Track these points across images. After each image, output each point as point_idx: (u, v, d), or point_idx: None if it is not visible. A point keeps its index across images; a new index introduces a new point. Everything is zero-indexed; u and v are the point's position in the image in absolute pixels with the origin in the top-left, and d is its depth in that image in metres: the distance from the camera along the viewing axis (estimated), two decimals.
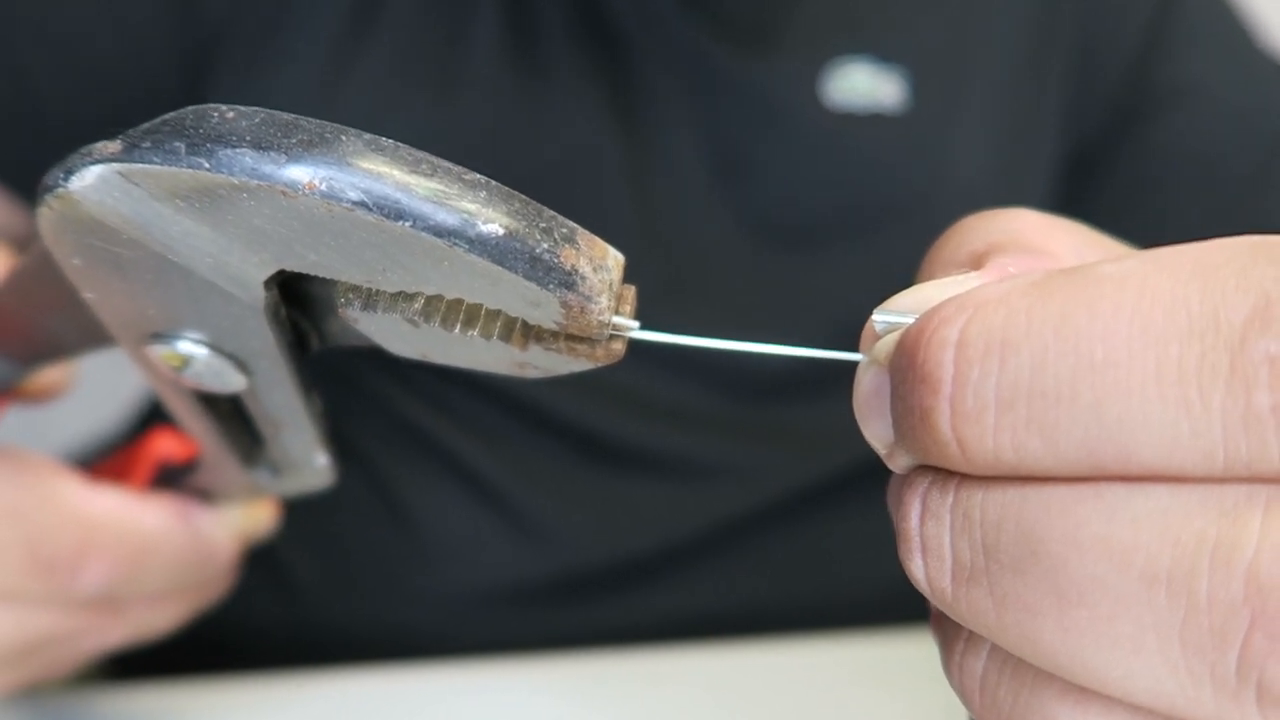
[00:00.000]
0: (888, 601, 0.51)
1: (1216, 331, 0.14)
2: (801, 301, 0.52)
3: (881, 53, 0.52)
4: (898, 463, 0.18)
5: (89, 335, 0.25)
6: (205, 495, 0.34)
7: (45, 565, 0.30)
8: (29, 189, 0.44)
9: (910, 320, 0.18)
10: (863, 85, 0.52)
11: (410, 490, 0.52)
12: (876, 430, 0.18)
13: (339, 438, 0.52)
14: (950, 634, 0.18)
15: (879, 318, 0.19)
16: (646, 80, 0.51)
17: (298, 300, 0.23)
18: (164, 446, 0.32)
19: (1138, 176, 0.55)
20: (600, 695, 0.43)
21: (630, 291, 0.21)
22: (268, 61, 0.48)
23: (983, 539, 0.16)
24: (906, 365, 0.17)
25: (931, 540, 0.17)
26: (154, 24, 0.48)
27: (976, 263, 0.20)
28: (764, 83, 0.51)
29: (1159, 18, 0.55)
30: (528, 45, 0.50)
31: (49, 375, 0.34)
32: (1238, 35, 0.57)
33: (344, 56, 0.49)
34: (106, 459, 0.34)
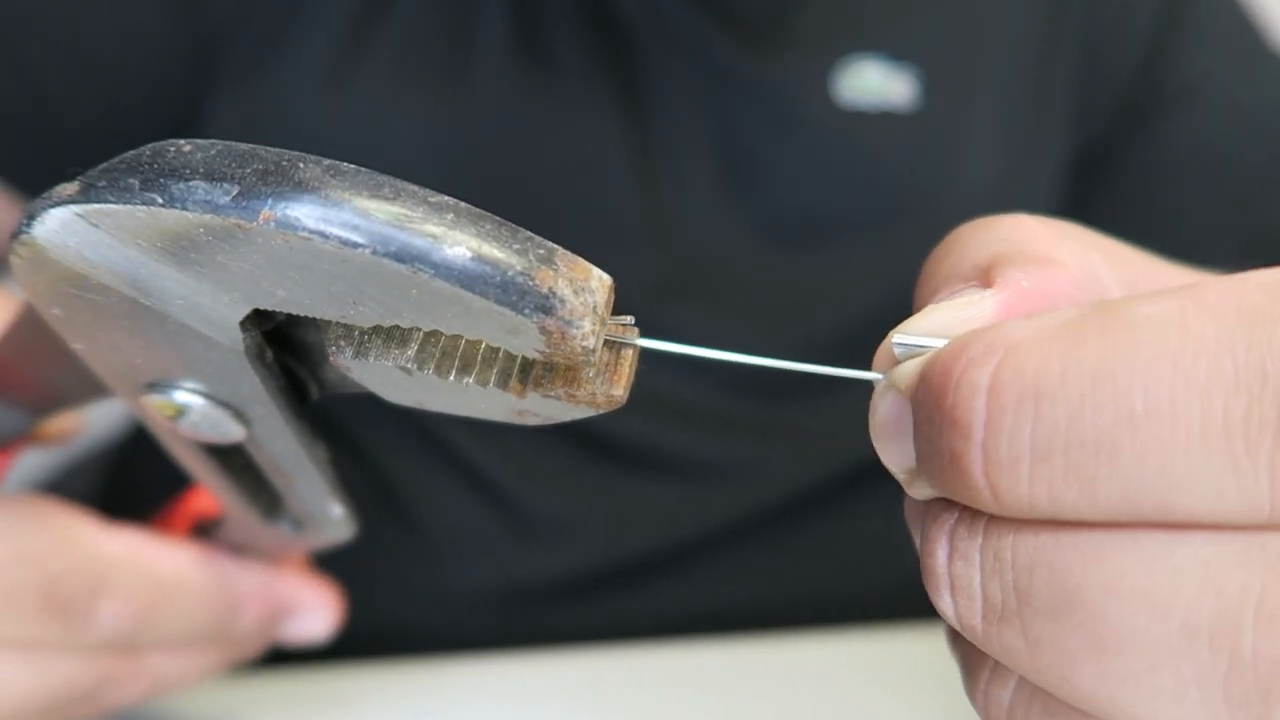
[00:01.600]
0: (895, 598, 0.51)
1: (1264, 382, 0.14)
2: (811, 300, 0.52)
3: (892, 51, 0.52)
4: (917, 491, 0.18)
5: (92, 386, 0.25)
6: (238, 551, 0.33)
7: (60, 606, 0.29)
8: (35, 189, 0.44)
9: (931, 345, 0.17)
10: (873, 84, 0.52)
11: (413, 487, 0.52)
12: (895, 456, 0.18)
13: (341, 432, 0.52)
14: (975, 660, 0.18)
15: (899, 339, 0.18)
16: (655, 79, 0.50)
17: (291, 348, 0.22)
18: (201, 503, 0.32)
19: (1146, 175, 0.55)
20: (604, 692, 0.43)
21: (628, 322, 0.20)
22: (273, 62, 0.48)
23: (1014, 582, 0.16)
24: (934, 405, 0.16)
25: (960, 580, 0.16)
26: (158, 23, 0.48)
27: (983, 276, 0.19)
28: (774, 81, 0.51)
29: (1168, 16, 0.55)
30: (535, 45, 0.50)
31: (63, 420, 0.33)
32: (1246, 34, 0.56)
33: (349, 58, 0.48)
34: (146, 519, 0.34)
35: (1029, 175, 0.54)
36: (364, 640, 0.50)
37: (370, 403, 0.53)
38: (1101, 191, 0.56)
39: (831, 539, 0.54)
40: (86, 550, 0.30)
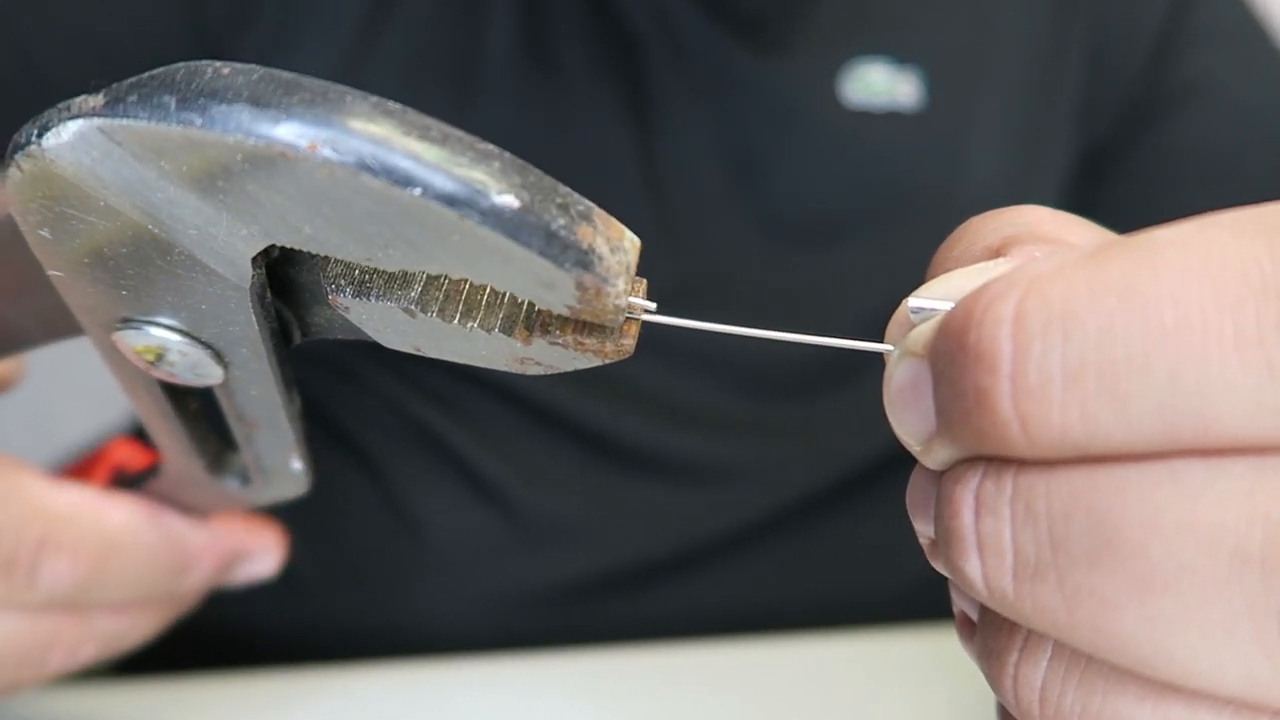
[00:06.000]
0: (901, 600, 0.51)
1: None
2: (817, 300, 0.52)
3: (898, 52, 0.52)
4: (935, 457, 0.17)
5: (51, 326, 0.24)
6: (173, 505, 0.32)
7: (4, 563, 0.28)
8: None
9: (948, 306, 0.17)
10: (879, 84, 0.52)
11: (416, 490, 0.52)
12: (912, 424, 0.17)
13: (344, 435, 0.52)
14: (999, 644, 0.17)
15: (914, 303, 0.18)
16: (662, 80, 0.51)
17: (281, 288, 0.21)
18: (120, 454, 0.31)
19: (1152, 174, 0.55)
20: (608, 692, 0.43)
21: (641, 285, 0.19)
22: (280, 64, 0.49)
23: (1049, 531, 0.15)
24: (956, 347, 0.15)
25: (989, 537, 0.16)
26: (165, 19, 0.48)
27: (994, 256, 0.19)
28: (780, 82, 0.51)
29: (1174, 16, 0.55)
30: (543, 46, 0.50)
31: (2, 365, 0.32)
32: (1252, 33, 0.56)
33: (358, 57, 0.49)
34: (64, 468, 0.33)
35: (1034, 174, 0.54)
36: (365, 643, 0.50)
37: (375, 406, 0.53)
38: (1107, 190, 0.56)
39: (838, 542, 0.54)
40: (33, 505, 0.29)
